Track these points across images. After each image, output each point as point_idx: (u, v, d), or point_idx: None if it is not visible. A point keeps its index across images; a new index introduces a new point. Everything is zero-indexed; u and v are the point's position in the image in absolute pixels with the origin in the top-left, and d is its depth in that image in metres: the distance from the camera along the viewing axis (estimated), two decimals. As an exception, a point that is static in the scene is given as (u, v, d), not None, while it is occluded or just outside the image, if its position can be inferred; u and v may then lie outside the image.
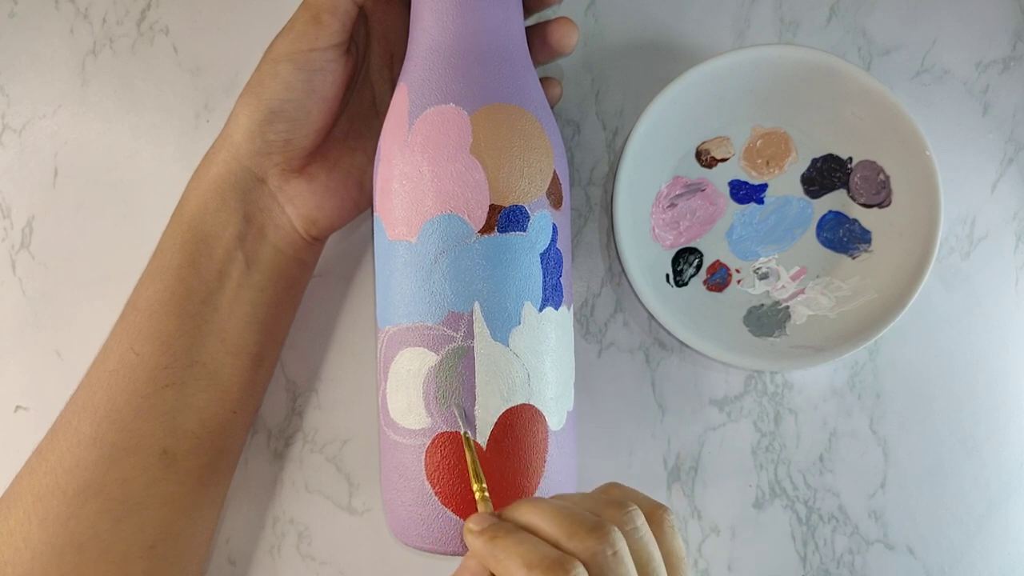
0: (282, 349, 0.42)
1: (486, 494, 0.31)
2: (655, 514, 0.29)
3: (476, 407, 0.33)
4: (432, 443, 0.34)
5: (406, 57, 0.36)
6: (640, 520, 0.28)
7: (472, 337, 0.33)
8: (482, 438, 0.33)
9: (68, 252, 0.45)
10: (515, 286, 0.34)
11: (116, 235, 0.45)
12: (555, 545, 0.27)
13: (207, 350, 0.36)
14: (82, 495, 0.35)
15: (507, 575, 0.27)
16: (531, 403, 0.34)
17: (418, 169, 0.33)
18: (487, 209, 0.33)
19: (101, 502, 0.35)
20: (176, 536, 0.37)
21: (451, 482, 0.33)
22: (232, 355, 0.37)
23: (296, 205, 0.38)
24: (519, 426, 0.34)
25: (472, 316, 0.33)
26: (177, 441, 0.36)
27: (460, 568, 0.29)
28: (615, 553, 0.27)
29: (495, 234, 0.33)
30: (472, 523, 0.29)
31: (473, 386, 0.33)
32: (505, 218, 0.34)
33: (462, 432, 0.33)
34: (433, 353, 0.33)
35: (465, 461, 0.33)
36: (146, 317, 0.36)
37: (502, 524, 0.29)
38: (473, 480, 0.31)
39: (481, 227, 0.33)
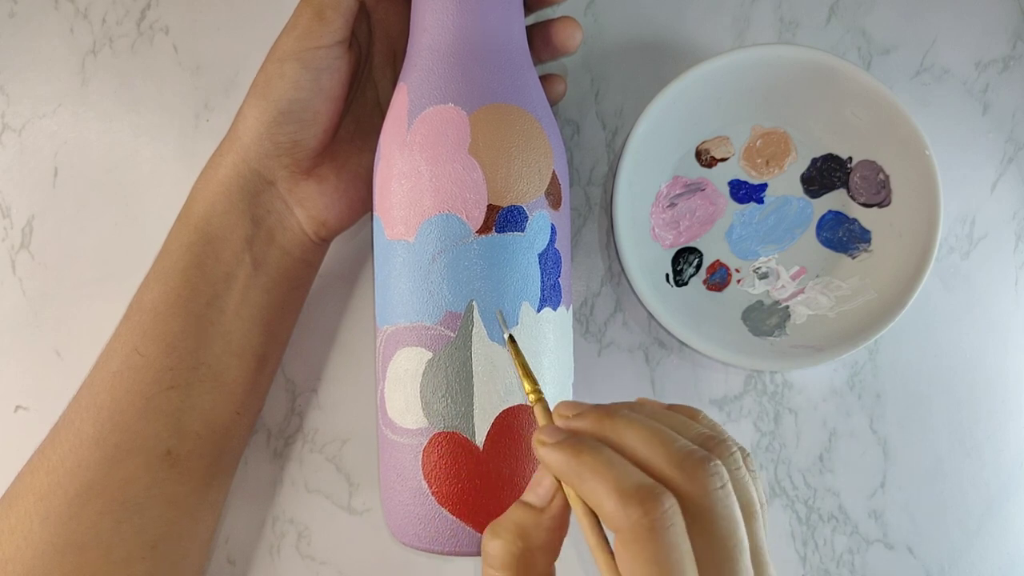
0: (284, 350, 0.42)
1: (542, 395, 0.30)
2: (745, 457, 0.28)
3: (474, 407, 0.33)
4: (429, 443, 0.33)
5: (406, 56, 0.36)
6: (741, 461, 0.26)
7: (470, 337, 0.33)
8: (479, 438, 0.33)
9: (68, 252, 0.45)
10: (513, 286, 0.34)
11: (116, 235, 0.45)
12: (653, 472, 0.25)
13: (212, 352, 0.36)
14: (84, 495, 0.34)
15: (592, 497, 0.25)
16: (526, 404, 0.34)
17: (416, 169, 0.33)
18: (485, 209, 0.33)
19: (103, 502, 0.35)
20: (178, 536, 0.37)
21: (447, 482, 0.33)
22: (237, 356, 0.37)
23: (306, 207, 0.38)
24: (516, 427, 0.34)
25: (470, 316, 0.33)
26: (181, 442, 0.36)
27: (533, 481, 0.28)
28: (724, 487, 0.24)
29: (493, 234, 0.33)
30: (545, 435, 0.27)
31: (471, 386, 0.33)
32: (503, 218, 0.34)
33: (506, 335, 0.33)
34: (430, 353, 0.33)
35: (461, 463, 0.33)
36: (151, 318, 0.36)
37: (582, 439, 0.26)
38: (524, 381, 0.31)
39: (479, 227, 0.33)
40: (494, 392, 0.33)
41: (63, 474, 0.35)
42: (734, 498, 0.25)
